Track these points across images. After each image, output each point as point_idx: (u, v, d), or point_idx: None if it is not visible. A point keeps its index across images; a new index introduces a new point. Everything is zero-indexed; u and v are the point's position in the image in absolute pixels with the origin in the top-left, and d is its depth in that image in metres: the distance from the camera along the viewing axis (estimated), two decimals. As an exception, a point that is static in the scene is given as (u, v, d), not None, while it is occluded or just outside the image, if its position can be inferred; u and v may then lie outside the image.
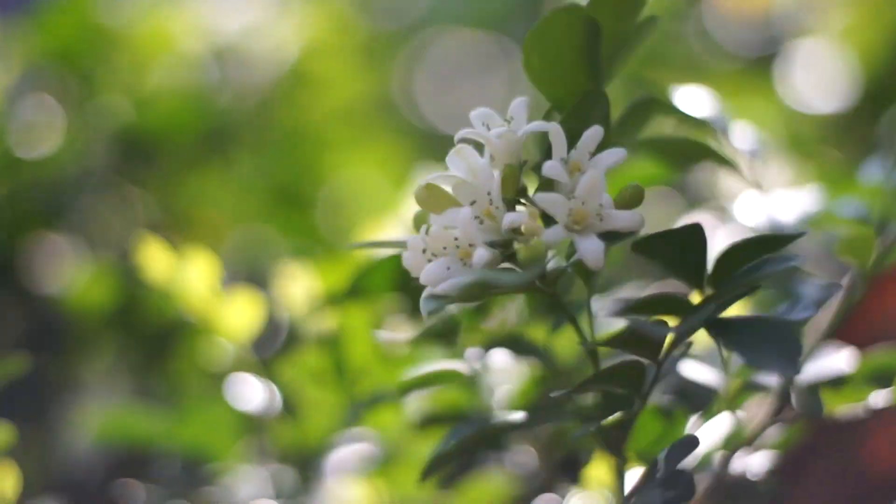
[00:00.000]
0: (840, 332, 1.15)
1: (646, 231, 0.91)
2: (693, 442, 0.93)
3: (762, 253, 0.89)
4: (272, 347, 1.71)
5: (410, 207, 1.39)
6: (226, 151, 2.54)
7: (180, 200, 2.48)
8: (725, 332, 0.87)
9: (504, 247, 0.89)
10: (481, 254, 0.86)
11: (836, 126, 2.44)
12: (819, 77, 2.50)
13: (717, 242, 1.42)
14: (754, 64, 2.64)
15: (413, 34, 3.32)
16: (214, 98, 2.53)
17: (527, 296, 1.15)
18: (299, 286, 1.41)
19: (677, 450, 0.93)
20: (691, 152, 1.15)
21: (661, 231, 0.89)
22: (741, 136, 1.18)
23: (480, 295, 0.89)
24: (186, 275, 1.37)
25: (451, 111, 3.14)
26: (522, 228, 0.87)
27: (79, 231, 2.35)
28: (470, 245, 0.88)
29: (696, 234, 0.89)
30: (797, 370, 0.82)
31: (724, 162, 1.14)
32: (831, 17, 2.58)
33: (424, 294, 0.88)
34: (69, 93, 2.41)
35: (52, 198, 2.34)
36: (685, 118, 1.13)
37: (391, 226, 1.41)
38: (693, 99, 1.16)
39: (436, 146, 3.05)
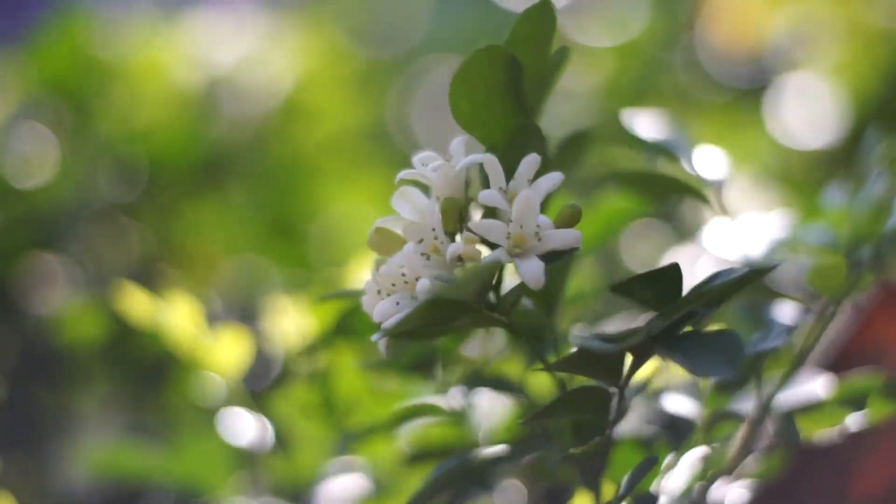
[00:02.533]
0: (827, 364, 1.16)
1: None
2: (651, 463, 0.95)
3: (738, 286, 0.91)
4: (264, 381, 1.72)
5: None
6: (220, 182, 2.55)
7: (174, 230, 2.49)
8: (670, 345, 0.89)
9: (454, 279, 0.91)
10: (423, 283, 0.88)
11: (825, 161, 2.46)
12: (809, 111, 2.51)
13: (699, 273, 1.44)
14: (745, 96, 2.66)
15: (407, 63, 3.34)
16: (209, 129, 2.55)
17: (506, 336, 1.16)
18: (290, 321, 1.42)
19: (637, 471, 0.95)
20: (659, 184, 1.16)
21: (638, 274, 0.91)
22: (707, 163, 1.20)
23: (430, 324, 0.91)
24: (169, 317, 1.39)
25: (445, 141, 3.16)
26: (462, 255, 0.90)
27: (74, 261, 2.36)
28: (417, 279, 0.90)
29: (671, 274, 0.90)
30: (736, 370, 0.84)
31: (691, 192, 1.15)
32: (823, 53, 2.60)
33: (378, 330, 0.90)
34: (64, 123, 2.43)
35: (48, 228, 2.35)
36: (639, 145, 1.14)
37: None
38: (649, 124, 1.18)
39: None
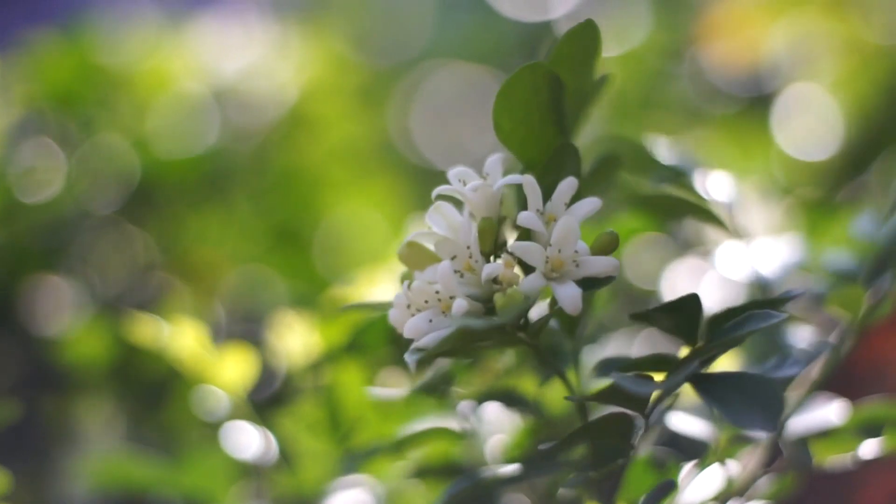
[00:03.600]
0: (831, 384, 1.16)
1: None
2: (670, 486, 0.94)
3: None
4: (268, 396, 1.71)
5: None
6: (225, 192, 2.55)
7: (179, 241, 2.49)
8: (709, 388, 0.89)
9: (486, 299, 0.91)
10: (460, 303, 0.88)
11: (826, 173, 2.45)
12: (808, 125, 2.51)
13: (704, 289, 1.43)
14: (746, 108, 2.66)
15: (410, 70, 3.34)
16: (213, 139, 2.54)
17: (516, 350, 1.16)
18: (296, 336, 1.42)
19: (655, 494, 0.94)
20: (673, 207, 1.16)
21: (659, 305, 0.91)
22: (719, 185, 1.19)
23: (463, 346, 0.90)
24: (174, 339, 1.38)
25: (448, 148, 3.16)
26: (500, 278, 0.89)
27: (79, 272, 2.36)
28: (451, 297, 0.89)
29: (691, 303, 0.90)
30: (776, 429, 0.83)
31: (705, 215, 1.15)
32: (821, 67, 2.60)
33: (410, 348, 0.89)
34: (69, 135, 2.42)
35: (53, 239, 2.34)
36: (659, 169, 1.14)
37: (389, 273, 1.42)
38: (666, 149, 1.17)
39: (433, 184, 3.05)
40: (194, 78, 2.59)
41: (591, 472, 0.99)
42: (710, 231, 1.52)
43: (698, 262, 1.54)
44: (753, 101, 2.67)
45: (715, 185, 1.17)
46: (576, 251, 0.90)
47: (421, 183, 2.95)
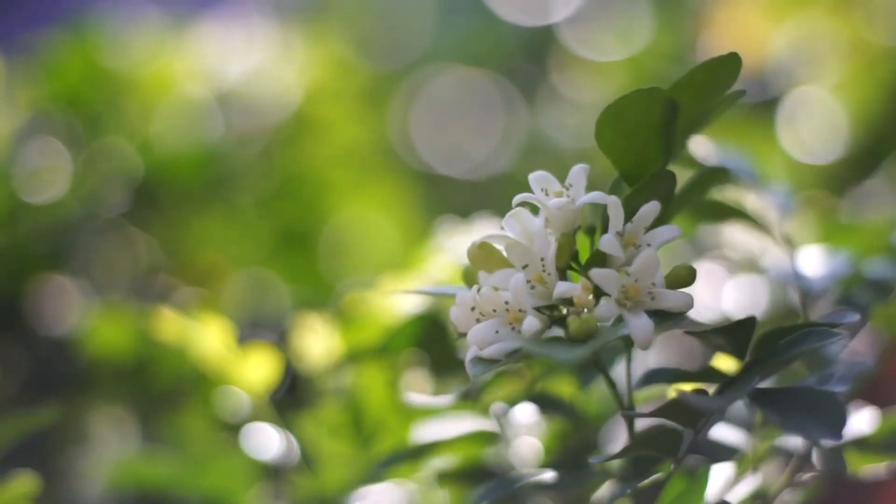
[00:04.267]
0: (864, 393, 1.16)
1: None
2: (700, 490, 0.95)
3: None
4: (289, 398, 1.72)
5: (436, 265, 1.41)
6: (229, 195, 2.55)
7: (184, 243, 2.49)
8: (769, 403, 0.88)
9: (551, 311, 0.90)
10: (532, 322, 0.88)
11: (832, 176, 2.46)
12: (813, 128, 2.52)
13: (726, 294, 1.44)
14: (751, 113, 2.67)
15: (412, 73, 3.34)
16: (218, 142, 2.55)
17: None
18: (317, 338, 1.42)
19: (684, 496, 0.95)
20: (725, 213, 1.16)
21: (717, 326, 0.91)
22: (772, 191, 1.19)
23: (521, 358, 0.90)
24: (200, 338, 1.38)
25: (450, 151, 3.16)
26: (574, 300, 0.89)
27: (84, 274, 2.35)
28: (520, 310, 0.89)
29: (746, 326, 0.90)
30: (841, 437, 0.83)
31: (756, 223, 1.15)
32: (825, 70, 2.61)
33: (470, 356, 0.89)
34: (75, 136, 2.42)
35: (58, 241, 2.34)
36: (732, 179, 1.14)
37: (412, 282, 1.42)
38: (712, 150, 1.17)
39: (437, 186, 3.06)
40: (198, 81, 2.59)
41: (633, 485, 0.98)
42: (728, 234, 1.52)
43: (715, 265, 1.55)
44: (758, 105, 2.68)
45: (770, 189, 1.17)
46: (653, 283, 0.89)
47: (424, 187, 2.96)
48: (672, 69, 2.84)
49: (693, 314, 0.91)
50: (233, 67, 2.69)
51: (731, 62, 0.95)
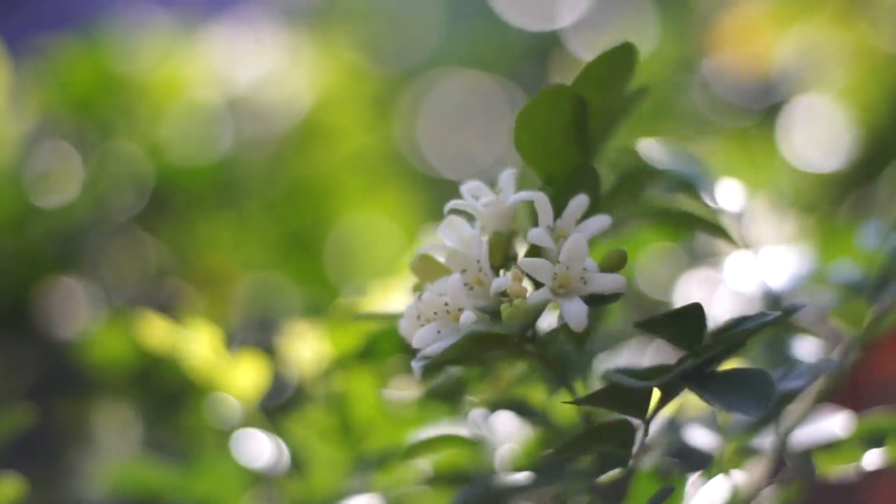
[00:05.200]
0: (835, 397, 1.17)
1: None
2: (668, 492, 0.96)
3: (765, 328, 0.92)
4: (280, 403, 1.73)
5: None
6: (238, 200, 2.56)
7: (193, 248, 2.50)
8: (702, 384, 0.90)
9: (494, 312, 0.93)
10: (468, 315, 0.90)
11: (835, 183, 2.46)
12: (818, 135, 2.52)
13: (715, 301, 1.44)
14: (756, 118, 2.67)
15: (419, 77, 3.35)
16: (227, 147, 2.56)
17: (528, 361, 1.17)
18: (307, 344, 1.44)
19: (655, 500, 0.96)
20: (684, 220, 1.17)
21: (662, 313, 0.92)
22: (728, 196, 1.20)
23: (470, 354, 0.92)
24: (188, 345, 1.40)
25: (456, 156, 3.17)
26: (508, 291, 0.91)
27: (93, 277, 2.37)
28: (459, 309, 0.91)
29: (695, 313, 0.91)
30: (767, 411, 0.84)
31: (712, 228, 1.16)
32: (830, 76, 2.61)
33: (417, 356, 0.91)
34: (85, 141, 2.44)
35: (68, 245, 2.36)
36: (662, 178, 1.15)
37: (400, 286, 1.44)
38: (668, 156, 1.18)
39: (442, 193, 3.06)
40: (208, 86, 2.60)
41: (595, 480, 1.00)
42: (722, 242, 1.53)
43: (711, 273, 1.55)
44: (763, 112, 2.68)
45: (724, 196, 1.18)
46: (584, 268, 0.91)
47: (430, 192, 2.97)
48: (678, 74, 2.84)
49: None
50: (243, 73, 2.70)
51: (626, 52, 0.96)
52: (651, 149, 1.17)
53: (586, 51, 2.99)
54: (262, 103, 2.65)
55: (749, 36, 2.74)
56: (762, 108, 2.69)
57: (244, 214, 2.56)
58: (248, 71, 2.71)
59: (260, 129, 2.65)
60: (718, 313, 1.42)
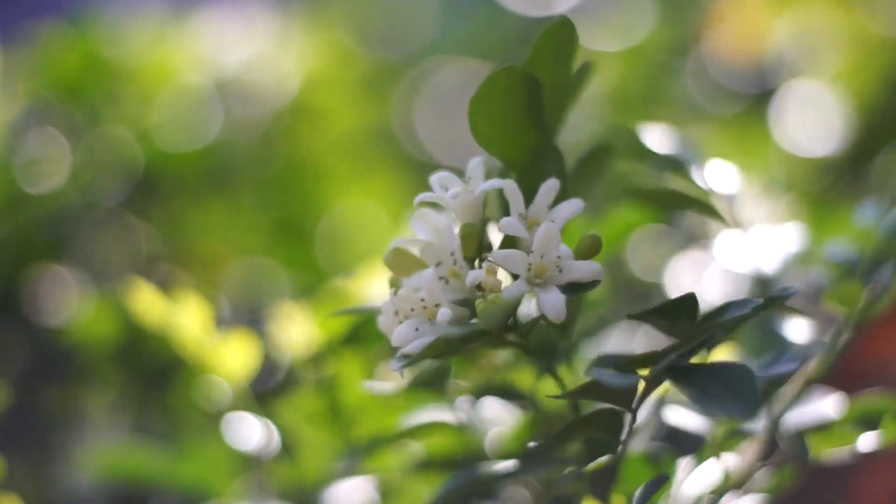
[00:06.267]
0: (829, 379, 1.16)
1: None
2: (663, 479, 0.95)
3: (754, 315, 0.90)
4: (269, 386, 1.72)
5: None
6: (228, 184, 2.55)
7: (183, 233, 2.49)
8: (686, 379, 0.89)
9: (472, 305, 0.91)
10: (444, 312, 0.88)
11: (829, 169, 2.45)
12: (813, 119, 2.51)
13: (706, 283, 1.43)
14: (750, 104, 2.66)
15: (413, 64, 3.34)
16: (217, 131, 2.55)
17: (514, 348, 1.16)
18: (297, 327, 1.42)
19: (649, 487, 0.95)
20: (672, 200, 1.16)
21: (656, 306, 0.90)
22: (718, 176, 1.19)
23: (449, 350, 0.91)
24: (179, 318, 1.38)
25: (451, 142, 3.16)
26: (483, 284, 0.89)
27: (83, 263, 2.36)
28: (436, 305, 0.90)
29: (688, 304, 0.90)
30: (754, 415, 0.83)
31: (704, 208, 1.15)
32: (826, 61, 2.60)
33: (396, 355, 0.90)
34: (74, 126, 2.43)
35: (57, 230, 2.35)
36: (650, 158, 1.14)
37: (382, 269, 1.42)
38: (659, 137, 1.17)
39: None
40: (197, 70, 2.59)
41: (583, 467, 0.99)
42: (714, 223, 1.52)
43: (701, 254, 1.54)
44: (757, 97, 2.67)
45: (714, 176, 1.17)
46: (559, 256, 0.89)
47: (423, 176, 2.95)
48: (675, 60, 2.83)
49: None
50: (231, 56, 2.69)
51: (565, 26, 0.95)
52: (642, 132, 1.15)
53: (584, 36, 2.98)
54: (251, 86, 2.64)
55: (744, 20, 2.73)
56: (756, 92, 2.68)
57: (234, 199, 2.55)
58: (236, 54, 2.70)
59: (249, 112, 2.63)
60: (709, 295, 1.41)
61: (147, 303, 1.40)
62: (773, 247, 1.21)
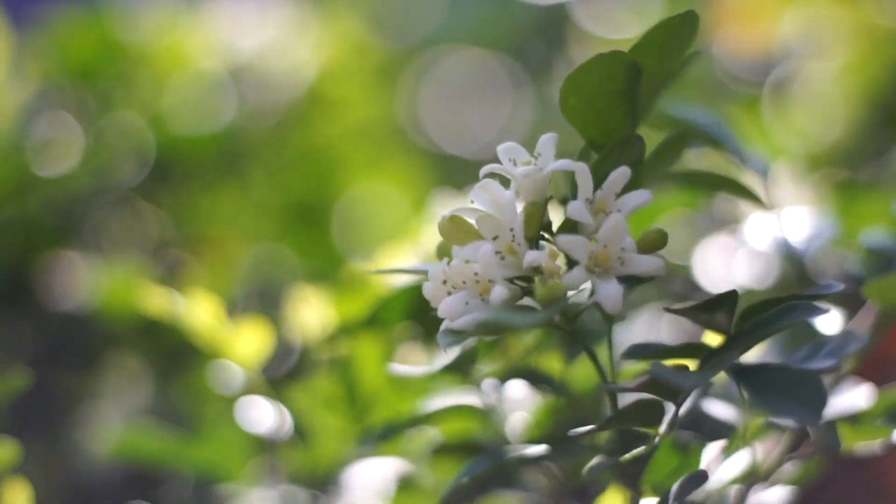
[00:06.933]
0: (859, 369, 1.14)
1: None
2: (703, 476, 0.93)
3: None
4: (284, 370, 1.70)
5: (429, 236, 1.39)
6: (241, 170, 2.54)
7: (195, 218, 2.48)
8: (748, 379, 0.87)
9: (524, 283, 0.88)
10: (500, 291, 0.86)
11: (834, 159, 2.44)
12: (819, 110, 2.49)
13: (735, 266, 1.42)
14: (760, 95, 2.64)
15: (422, 52, 3.32)
16: (230, 117, 2.54)
17: (545, 329, 1.14)
18: (312, 311, 1.41)
19: (688, 483, 0.93)
20: (715, 183, 1.14)
21: (697, 303, 0.89)
22: (756, 160, 1.17)
23: (497, 331, 0.88)
24: (188, 311, 1.37)
25: (460, 131, 3.15)
26: (543, 267, 0.87)
27: (94, 248, 2.35)
28: (489, 280, 0.87)
29: (729, 300, 0.88)
30: (820, 421, 0.81)
31: (744, 192, 1.13)
32: (832, 52, 2.58)
33: (442, 328, 0.87)
34: (87, 110, 2.41)
35: (68, 215, 2.34)
36: (714, 147, 1.12)
37: (408, 252, 1.41)
38: (714, 126, 1.16)
39: (447, 166, 3.05)
40: (211, 56, 2.58)
41: (617, 457, 0.97)
42: (744, 207, 1.50)
43: (730, 238, 1.52)
44: (766, 87, 2.65)
45: (754, 158, 1.15)
46: (622, 248, 0.87)
47: (433, 166, 2.95)
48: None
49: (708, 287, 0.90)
50: (246, 43, 2.68)
51: (690, 20, 0.92)
52: (685, 111, 1.14)
53: (594, 23, 2.97)
54: (266, 73, 2.63)
55: (754, 12, 2.71)
56: (766, 84, 2.66)
57: (247, 184, 2.54)
58: (251, 41, 2.68)
59: (263, 98, 2.62)
60: (740, 279, 1.40)
61: (156, 301, 1.39)
62: (805, 227, 1.19)
